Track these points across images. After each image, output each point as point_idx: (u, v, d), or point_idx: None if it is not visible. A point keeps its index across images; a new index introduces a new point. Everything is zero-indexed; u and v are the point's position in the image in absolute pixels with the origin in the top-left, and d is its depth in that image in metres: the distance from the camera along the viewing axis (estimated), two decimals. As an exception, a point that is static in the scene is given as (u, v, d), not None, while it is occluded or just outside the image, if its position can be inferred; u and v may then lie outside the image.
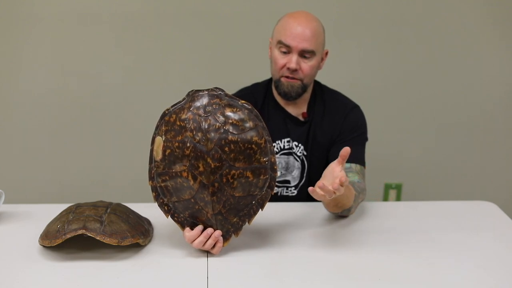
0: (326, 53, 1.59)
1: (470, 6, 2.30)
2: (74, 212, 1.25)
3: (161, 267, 1.19)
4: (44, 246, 1.25)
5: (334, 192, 1.16)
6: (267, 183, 1.22)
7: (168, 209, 1.23)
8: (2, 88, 2.31)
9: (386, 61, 2.37)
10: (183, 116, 1.18)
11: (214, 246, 1.23)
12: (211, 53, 2.31)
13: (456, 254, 1.27)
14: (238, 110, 1.19)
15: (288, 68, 1.49)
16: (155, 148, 1.20)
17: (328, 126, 1.59)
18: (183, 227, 1.24)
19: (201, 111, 1.18)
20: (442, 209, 1.54)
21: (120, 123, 2.38)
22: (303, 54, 1.49)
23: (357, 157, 1.54)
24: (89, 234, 1.18)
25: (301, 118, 1.61)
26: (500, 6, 2.31)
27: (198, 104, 1.19)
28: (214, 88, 1.21)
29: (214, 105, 1.18)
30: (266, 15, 2.25)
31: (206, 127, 1.16)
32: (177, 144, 1.17)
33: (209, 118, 1.17)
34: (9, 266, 1.18)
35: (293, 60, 1.48)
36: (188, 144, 1.16)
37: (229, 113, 1.18)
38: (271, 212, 1.49)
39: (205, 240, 1.22)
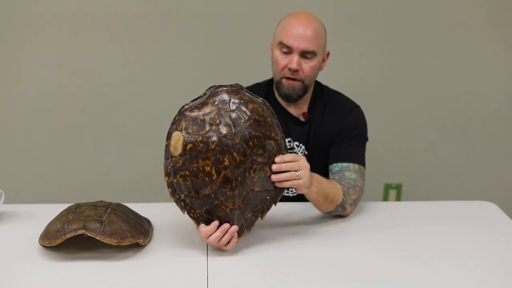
0: (328, 54, 1.58)
1: (470, 7, 2.30)
2: (74, 212, 1.25)
3: (161, 267, 1.19)
4: (44, 246, 1.25)
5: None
6: None
7: (184, 205, 1.22)
8: (2, 88, 2.31)
9: (386, 61, 2.37)
10: (207, 110, 1.19)
11: (228, 242, 1.23)
12: (211, 53, 2.31)
13: (456, 254, 1.27)
14: (259, 106, 1.22)
15: (289, 69, 1.49)
16: (172, 143, 1.19)
17: (328, 126, 1.59)
18: (198, 223, 1.23)
19: (226, 106, 1.19)
20: (442, 209, 1.54)
21: (120, 123, 2.38)
22: (304, 54, 1.48)
23: (356, 157, 1.54)
24: (89, 234, 1.18)
25: (301, 118, 1.61)
26: (501, 7, 2.31)
27: (222, 98, 1.20)
28: (235, 84, 1.22)
29: (238, 100, 1.20)
30: (266, 15, 2.25)
31: (232, 121, 1.18)
32: (201, 138, 1.17)
33: (235, 112, 1.19)
34: (9, 266, 1.18)
35: (294, 61, 1.48)
36: (213, 138, 1.17)
37: (251, 108, 1.21)
38: (271, 212, 1.48)
39: (222, 235, 1.22)
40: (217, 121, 1.18)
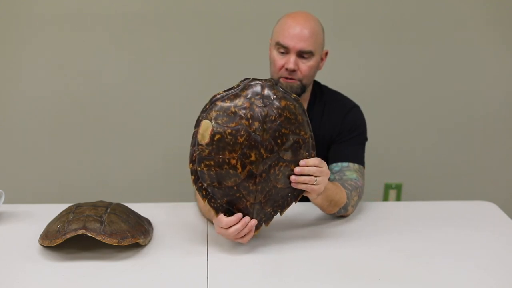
0: (326, 54, 1.58)
1: (470, 7, 2.30)
2: (74, 212, 1.25)
3: (161, 267, 1.19)
4: (44, 246, 1.25)
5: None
6: None
7: (206, 194, 1.21)
8: (2, 88, 2.31)
9: (386, 61, 2.37)
10: (239, 103, 1.18)
11: (244, 234, 1.24)
12: (211, 53, 2.31)
13: (456, 254, 1.27)
14: (291, 104, 1.21)
15: (287, 69, 1.49)
16: (200, 131, 1.18)
17: (327, 126, 1.59)
18: (217, 213, 1.23)
19: (259, 101, 1.18)
20: (442, 209, 1.54)
21: (120, 123, 2.38)
22: (301, 54, 1.48)
23: (356, 157, 1.54)
24: (89, 234, 1.18)
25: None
26: (501, 7, 2.31)
27: (255, 92, 1.19)
28: (270, 79, 1.22)
29: (271, 96, 1.19)
30: (266, 15, 2.25)
31: (263, 117, 1.17)
32: (230, 130, 1.16)
33: (267, 108, 1.18)
34: (9, 266, 1.18)
35: (291, 61, 1.47)
36: (242, 132, 1.16)
37: (284, 105, 1.19)
38: (271, 212, 1.49)
39: (242, 228, 1.22)
40: (248, 115, 1.17)
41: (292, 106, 1.21)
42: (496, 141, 2.50)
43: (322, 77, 1.69)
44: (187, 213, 1.45)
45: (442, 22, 2.32)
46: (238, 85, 1.20)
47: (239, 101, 1.18)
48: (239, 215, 1.22)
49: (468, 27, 2.33)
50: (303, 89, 1.53)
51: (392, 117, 2.44)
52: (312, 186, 1.22)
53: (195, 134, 1.19)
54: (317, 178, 1.22)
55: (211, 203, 1.22)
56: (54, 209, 1.38)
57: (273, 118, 1.18)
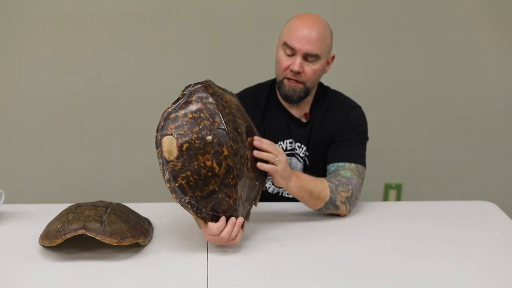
0: (333, 58, 1.57)
1: (471, 7, 2.31)
2: (74, 212, 1.25)
3: (161, 267, 1.19)
4: (44, 246, 1.25)
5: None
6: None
7: (191, 207, 1.22)
8: (2, 88, 2.31)
9: (387, 61, 2.37)
10: (194, 108, 1.20)
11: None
12: (212, 53, 2.31)
13: (456, 254, 1.27)
14: (233, 97, 1.32)
15: (291, 70, 1.49)
16: (165, 149, 1.18)
17: (329, 126, 1.59)
18: (206, 222, 1.23)
19: (210, 99, 1.21)
20: (442, 209, 1.54)
21: (120, 123, 2.38)
22: (307, 57, 1.48)
23: (353, 156, 1.53)
24: (89, 234, 1.18)
25: (303, 119, 1.60)
26: (501, 7, 2.31)
27: (202, 95, 1.22)
28: (206, 80, 1.26)
29: (216, 93, 1.24)
30: (266, 15, 2.25)
31: (220, 112, 1.20)
32: (195, 135, 1.18)
33: (219, 104, 1.22)
34: (9, 266, 1.18)
35: (296, 63, 1.47)
36: (208, 132, 1.18)
37: (229, 99, 1.27)
38: (271, 212, 1.49)
39: (232, 229, 1.23)
40: (207, 115, 1.19)
41: (234, 99, 1.30)
42: (496, 141, 2.50)
43: (323, 77, 1.69)
44: (187, 213, 1.45)
45: (442, 22, 2.32)
46: (184, 94, 1.22)
47: (192, 107, 1.20)
48: (224, 218, 1.23)
49: (468, 27, 2.33)
50: (306, 92, 1.53)
51: (392, 117, 2.44)
52: (274, 167, 1.30)
53: (160, 154, 1.19)
54: (278, 157, 1.30)
55: (199, 215, 1.23)
56: (54, 209, 1.38)
57: (227, 111, 1.23)
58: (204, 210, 1.22)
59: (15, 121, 2.35)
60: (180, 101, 1.21)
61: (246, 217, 1.29)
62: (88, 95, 2.33)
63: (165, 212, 1.47)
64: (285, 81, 1.51)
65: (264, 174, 1.34)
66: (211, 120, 1.19)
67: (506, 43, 2.37)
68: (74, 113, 2.35)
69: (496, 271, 1.20)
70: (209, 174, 1.18)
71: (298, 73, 1.48)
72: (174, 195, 1.20)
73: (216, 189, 1.20)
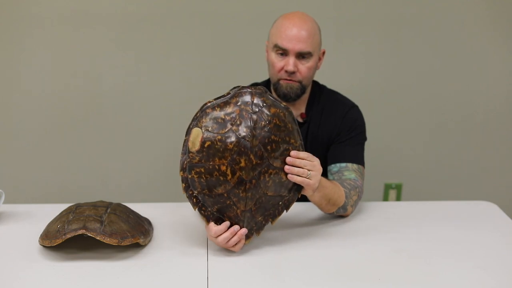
0: (323, 53, 1.58)
1: (470, 7, 2.30)
2: (74, 212, 1.25)
3: (161, 267, 1.19)
4: (44, 246, 1.25)
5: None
6: (295, 186, 1.25)
7: (196, 202, 1.21)
8: (2, 88, 2.31)
9: (386, 61, 2.37)
10: (229, 110, 1.19)
11: (236, 243, 1.24)
12: (212, 54, 2.31)
13: (456, 254, 1.27)
14: (281, 111, 1.22)
15: (286, 71, 1.49)
16: (191, 139, 1.19)
17: (326, 126, 1.59)
18: (208, 221, 1.23)
19: (248, 107, 1.19)
20: (442, 209, 1.54)
21: (120, 123, 2.38)
22: (300, 55, 1.48)
23: (355, 157, 1.53)
24: (89, 234, 1.18)
25: (299, 119, 1.61)
26: (502, 7, 2.31)
27: (245, 100, 1.20)
28: (260, 86, 1.23)
29: (261, 103, 1.20)
30: (266, 15, 2.25)
31: (252, 123, 1.18)
32: (219, 137, 1.17)
33: (256, 115, 1.19)
34: (9, 266, 1.18)
35: (290, 63, 1.47)
36: (232, 139, 1.17)
37: (273, 113, 1.20)
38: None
39: (231, 237, 1.22)
40: (238, 122, 1.18)
41: (282, 114, 1.21)
42: (496, 141, 2.50)
43: (322, 77, 1.69)
44: (187, 213, 1.45)
45: (442, 22, 2.32)
46: (229, 93, 1.21)
47: (229, 109, 1.19)
48: (227, 223, 1.22)
49: (468, 27, 2.33)
50: (302, 89, 1.53)
51: (392, 117, 2.44)
52: (307, 180, 1.22)
53: (185, 142, 1.20)
54: (310, 172, 1.22)
55: (202, 211, 1.22)
56: (54, 209, 1.38)
57: (262, 124, 1.18)
58: (209, 209, 1.22)
59: (15, 121, 2.35)
60: (222, 98, 1.20)
61: (257, 231, 1.27)
62: (88, 95, 2.33)
63: (165, 212, 1.47)
64: (281, 81, 1.52)
65: (293, 196, 1.27)
66: (240, 127, 1.17)
67: (506, 43, 2.37)
68: (74, 113, 2.35)
69: (496, 271, 1.20)
70: (221, 178, 1.18)
71: (293, 73, 1.48)
72: (183, 184, 1.20)
73: (225, 194, 1.19)
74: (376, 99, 2.39)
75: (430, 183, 2.54)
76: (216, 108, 1.19)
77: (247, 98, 1.20)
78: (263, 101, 1.20)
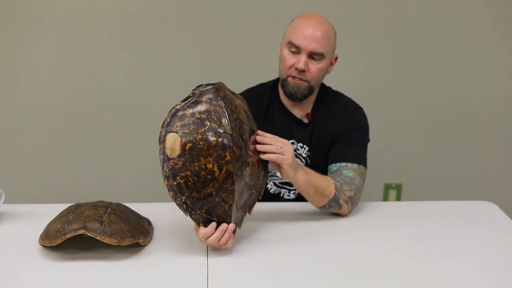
0: (336, 58, 1.58)
1: (470, 7, 2.30)
2: (74, 212, 1.25)
3: (161, 267, 1.19)
4: (44, 246, 1.25)
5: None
6: (263, 172, 1.31)
7: (186, 207, 1.21)
8: (2, 88, 2.31)
9: (387, 61, 2.37)
10: (203, 109, 1.19)
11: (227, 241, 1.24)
12: (213, 53, 2.31)
13: (456, 254, 1.27)
14: (242, 102, 1.29)
15: (296, 69, 1.49)
16: (168, 145, 1.17)
17: (331, 126, 1.60)
18: (198, 224, 1.23)
19: (220, 102, 1.20)
20: (442, 209, 1.54)
21: (120, 123, 2.38)
22: (312, 55, 1.48)
23: (355, 157, 1.53)
24: (89, 234, 1.18)
25: (305, 119, 1.61)
26: (502, 7, 2.31)
27: (212, 96, 1.20)
28: (219, 82, 1.24)
29: (227, 97, 1.22)
30: (267, 15, 2.25)
31: (228, 116, 1.19)
32: (200, 136, 1.17)
33: (228, 108, 1.20)
34: (9, 266, 1.18)
35: (301, 61, 1.48)
36: (214, 135, 1.17)
37: (238, 104, 1.25)
38: (271, 212, 1.49)
39: (221, 235, 1.22)
40: (214, 118, 1.18)
41: (243, 104, 1.28)
42: (496, 141, 2.50)
43: (325, 78, 1.69)
44: (187, 213, 1.45)
45: (442, 22, 2.32)
46: (194, 93, 1.21)
47: (201, 107, 1.19)
48: (214, 224, 1.22)
49: (469, 27, 2.33)
50: (310, 90, 1.53)
51: (392, 117, 2.44)
52: (281, 156, 1.28)
53: (162, 150, 1.18)
54: (282, 147, 1.28)
55: (192, 216, 1.22)
56: (54, 209, 1.38)
57: (235, 116, 1.21)
58: (198, 212, 1.22)
59: (15, 121, 2.35)
60: (190, 99, 1.20)
61: (239, 224, 1.28)
62: (88, 95, 2.33)
63: (165, 212, 1.47)
64: (290, 79, 1.52)
65: (263, 183, 1.32)
66: (218, 123, 1.18)
67: (506, 43, 2.37)
68: (74, 113, 2.35)
69: (496, 271, 1.20)
70: (209, 177, 1.18)
71: (303, 71, 1.49)
72: (171, 193, 1.19)
73: (214, 192, 1.19)
74: (376, 99, 2.39)
75: (430, 183, 2.54)
76: (188, 110, 1.19)
77: (214, 94, 1.21)
78: (227, 95, 1.23)
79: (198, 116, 1.18)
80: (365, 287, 1.13)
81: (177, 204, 1.21)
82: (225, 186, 1.19)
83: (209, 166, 1.17)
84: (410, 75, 2.39)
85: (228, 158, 1.17)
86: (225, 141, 1.17)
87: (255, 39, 2.28)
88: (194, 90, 1.21)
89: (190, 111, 1.19)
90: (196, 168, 1.17)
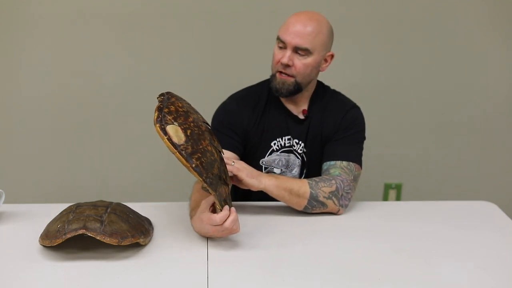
0: (332, 56, 1.58)
1: (470, 7, 2.31)
2: (74, 212, 1.25)
3: (161, 267, 1.19)
4: (44, 246, 1.25)
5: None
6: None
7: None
8: (2, 88, 2.31)
9: (386, 61, 2.37)
10: (180, 105, 1.26)
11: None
12: (213, 53, 2.31)
13: (456, 254, 1.27)
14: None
15: (282, 63, 1.50)
16: (172, 135, 1.19)
17: (327, 123, 1.60)
18: (220, 204, 1.24)
19: (184, 102, 1.29)
20: (442, 209, 1.54)
21: (120, 123, 2.38)
22: (298, 50, 1.49)
23: (347, 155, 1.53)
24: (89, 234, 1.18)
25: (301, 116, 1.61)
26: (502, 7, 2.31)
27: (176, 97, 1.29)
28: (167, 92, 1.31)
29: (180, 98, 1.31)
30: (267, 14, 2.25)
31: (196, 111, 1.30)
32: (192, 124, 1.23)
33: (189, 105, 1.30)
34: (9, 266, 1.18)
35: (286, 55, 1.49)
36: (200, 122, 1.26)
37: (187, 102, 1.34)
38: (271, 211, 1.49)
39: (236, 217, 1.24)
40: (191, 110, 1.27)
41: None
42: (497, 141, 2.50)
43: (323, 77, 1.69)
44: (187, 213, 1.45)
45: (442, 22, 2.32)
46: (163, 98, 1.26)
47: (178, 103, 1.26)
48: (227, 206, 1.24)
49: (468, 27, 2.33)
50: (296, 86, 1.53)
51: (392, 117, 2.45)
52: (235, 166, 1.35)
53: (170, 141, 1.18)
54: (234, 161, 1.37)
55: (218, 198, 1.23)
56: (54, 209, 1.38)
57: (194, 110, 1.32)
58: (218, 192, 1.24)
59: (15, 121, 2.35)
60: (165, 101, 1.25)
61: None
62: (88, 95, 2.33)
63: (165, 212, 1.47)
64: (277, 74, 1.53)
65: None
66: (196, 115, 1.27)
67: (506, 43, 2.37)
68: (74, 113, 2.35)
69: (496, 271, 1.20)
70: (212, 158, 1.23)
71: (287, 66, 1.50)
72: (196, 173, 1.18)
73: (218, 174, 1.24)
74: (376, 99, 2.39)
75: (430, 183, 2.54)
76: (171, 106, 1.24)
77: (175, 97, 1.28)
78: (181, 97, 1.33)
79: (181, 110, 1.24)
80: (365, 286, 1.13)
81: (207, 184, 1.20)
82: (222, 167, 1.27)
83: (209, 148, 1.24)
84: (410, 75, 2.39)
85: (216, 143, 1.28)
86: (208, 127, 1.29)
87: (255, 39, 2.28)
88: (161, 96, 1.27)
89: (173, 107, 1.24)
90: (202, 150, 1.22)
